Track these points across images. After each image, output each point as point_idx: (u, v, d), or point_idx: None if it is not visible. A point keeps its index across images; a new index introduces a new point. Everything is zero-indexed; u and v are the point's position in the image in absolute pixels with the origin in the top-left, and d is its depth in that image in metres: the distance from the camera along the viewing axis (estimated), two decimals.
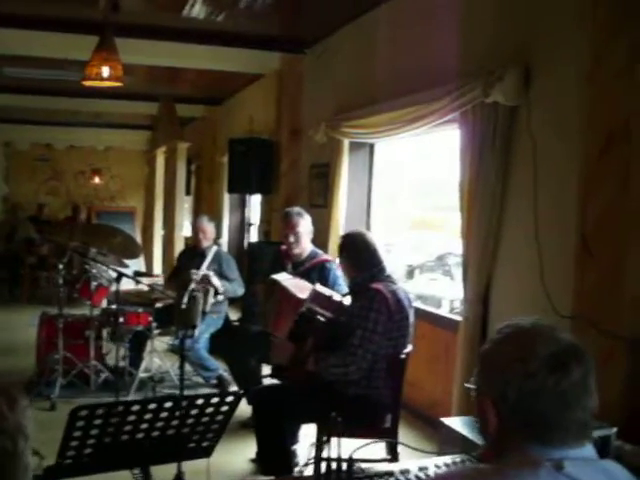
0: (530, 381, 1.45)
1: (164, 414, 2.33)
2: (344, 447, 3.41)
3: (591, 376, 1.49)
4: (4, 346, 8.22)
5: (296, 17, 7.24)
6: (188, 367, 6.66)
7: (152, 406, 2.30)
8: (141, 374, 6.44)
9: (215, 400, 2.42)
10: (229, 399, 2.44)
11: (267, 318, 4.89)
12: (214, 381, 6.69)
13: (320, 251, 5.59)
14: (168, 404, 2.33)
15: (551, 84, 4.19)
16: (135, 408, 2.27)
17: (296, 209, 5.73)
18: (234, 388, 6.17)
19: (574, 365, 1.46)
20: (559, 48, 4.13)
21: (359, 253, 4.16)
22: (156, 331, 6.69)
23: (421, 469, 2.20)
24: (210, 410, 2.43)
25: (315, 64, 8.00)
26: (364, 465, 2.50)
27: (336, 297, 4.31)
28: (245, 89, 10.70)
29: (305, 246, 5.47)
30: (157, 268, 13.31)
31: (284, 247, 5.53)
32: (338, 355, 3.89)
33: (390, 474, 2.14)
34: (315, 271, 5.24)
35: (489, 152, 4.49)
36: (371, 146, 7.18)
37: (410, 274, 10.51)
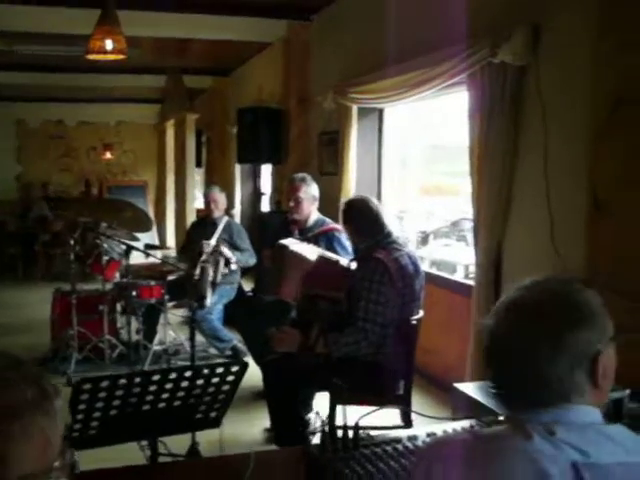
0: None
1: (169, 385, 2.31)
2: (357, 415, 3.40)
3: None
4: (20, 324, 8.27)
5: None
6: (202, 339, 6.69)
7: (156, 377, 2.28)
8: (155, 347, 6.46)
9: (220, 370, 2.39)
10: (234, 369, 2.41)
11: (275, 283, 4.90)
12: (228, 352, 6.70)
13: (328, 219, 5.55)
14: (172, 375, 2.31)
15: (560, 42, 4.09)
16: (138, 380, 2.25)
17: (300, 175, 5.72)
18: (248, 359, 6.18)
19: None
20: (569, 4, 4.03)
21: (362, 219, 4.10)
22: (170, 304, 6.70)
23: (429, 435, 2.17)
24: (216, 380, 2.40)
25: (321, 30, 7.91)
26: (375, 432, 2.47)
27: (343, 262, 4.29)
28: (253, 58, 10.62)
29: (307, 212, 5.45)
30: (170, 240, 13.33)
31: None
32: (347, 333, 3.85)
33: (398, 440, 2.10)
34: (323, 239, 5.22)
35: (498, 113, 4.41)
36: (380, 112, 7.10)
37: (424, 240, 10.48)
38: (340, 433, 2.07)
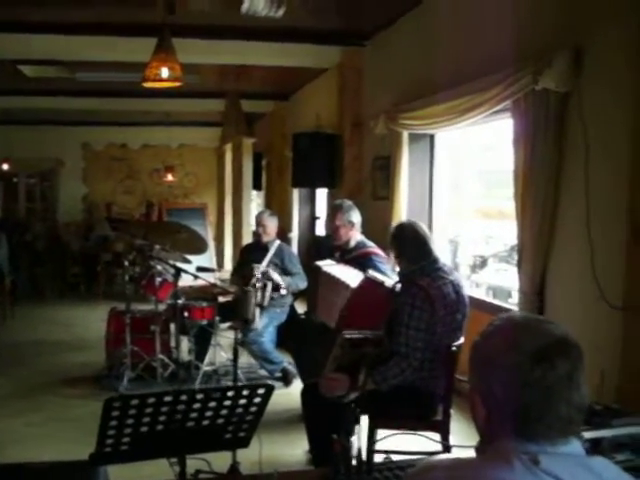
0: (515, 374, 1.43)
1: (197, 405, 2.39)
2: (392, 439, 3.43)
3: (579, 371, 1.45)
4: (79, 341, 8.54)
5: (354, 10, 7.24)
6: (254, 360, 6.79)
7: (184, 397, 2.36)
8: (206, 367, 6.57)
9: (246, 392, 2.46)
10: (260, 391, 2.48)
11: (312, 302, 4.99)
12: (278, 374, 6.76)
13: (370, 243, 5.61)
14: (200, 395, 2.39)
15: (603, 68, 4.08)
16: (168, 399, 2.33)
17: (337, 202, 5.84)
18: (298, 381, 6.25)
19: (560, 359, 1.43)
20: (611, 30, 4.01)
21: (408, 244, 4.14)
22: (222, 325, 6.81)
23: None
24: (243, 402, 2.47)
25: (375, 56, 8.00)
26: (407, 457, 2.51)
27: (388, 283, 4.34)
28: (310, 84, 10.78)
29: (345, 238, 5.57)
30: (227, 262, 13.52)
31: None
32: (392, 365, 3.86)
33: (412, 466, 2.14)
34: (359, 262, 5.28)
35: (541, 141, 4.42)
36: (431, 137, 7.14)
37: (482, 265, 10.41)
38: (355, 457, 2.12)
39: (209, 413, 2.45)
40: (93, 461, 2.47)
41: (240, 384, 4.95)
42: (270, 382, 6.36)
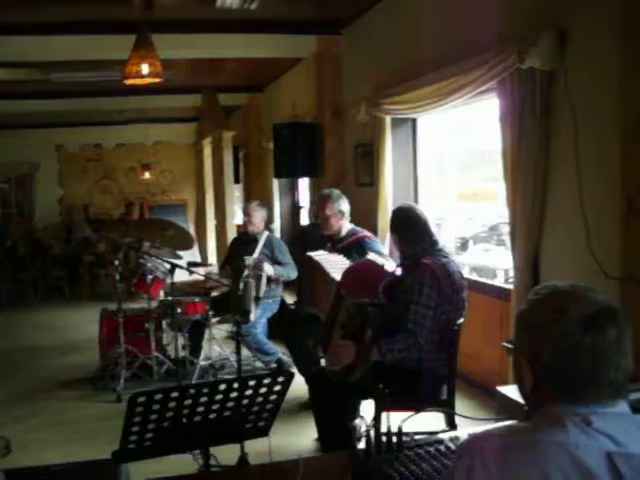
0: (565, 341, 1.47)
1: (219, 397, 2.41)
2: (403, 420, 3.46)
3: (626, 337, 1.49)
4: (68, 344, 8.48)
5: None
6: (248, 352, 6.80)
7: (206, 389, 2.38)
8: (202, 362, 6.58)
9: (267, 381, 2.48)
10: (281, 379, 2.50)
11: (302, 293, 5.01)
12: (273, 365, 6.78)
13: (360, 229, 5.67)
14: (222, 387, 2.41)
15: (587, 46, 4.13)
16: (191, 392, 2.35)
17: (326, 192, 5.84)
18: (293, 370, 6.27)
19: (609, 326, 1.47)
20: (594, 7, 4.07)
21: (409, 227, 4.15)
22: (214, 319, 6.82)
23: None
24: (263, 390, 2.50)
25: (352, 44, 8.01)
26: (420, 436, 2.54)
27: (388, 267, 4.36)
28: (286, 74, 10.75)
29: (336, 227, 5.60)
30: (211, 257, 13.47)
31: None
32: (399, 339, 3.86)
33: (440, 442, 2.18)
34: (354, 248, 5.31)
35: (529, 119, 4.47)
36: (413, 121, 7.17)
37: (464, 246, 10.50)
38: (384, 437, 2.14)
39: (230, 404, 2.47)
40: (116, 459, 2.48)
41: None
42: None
